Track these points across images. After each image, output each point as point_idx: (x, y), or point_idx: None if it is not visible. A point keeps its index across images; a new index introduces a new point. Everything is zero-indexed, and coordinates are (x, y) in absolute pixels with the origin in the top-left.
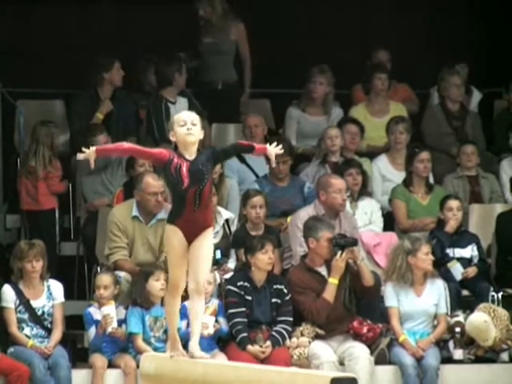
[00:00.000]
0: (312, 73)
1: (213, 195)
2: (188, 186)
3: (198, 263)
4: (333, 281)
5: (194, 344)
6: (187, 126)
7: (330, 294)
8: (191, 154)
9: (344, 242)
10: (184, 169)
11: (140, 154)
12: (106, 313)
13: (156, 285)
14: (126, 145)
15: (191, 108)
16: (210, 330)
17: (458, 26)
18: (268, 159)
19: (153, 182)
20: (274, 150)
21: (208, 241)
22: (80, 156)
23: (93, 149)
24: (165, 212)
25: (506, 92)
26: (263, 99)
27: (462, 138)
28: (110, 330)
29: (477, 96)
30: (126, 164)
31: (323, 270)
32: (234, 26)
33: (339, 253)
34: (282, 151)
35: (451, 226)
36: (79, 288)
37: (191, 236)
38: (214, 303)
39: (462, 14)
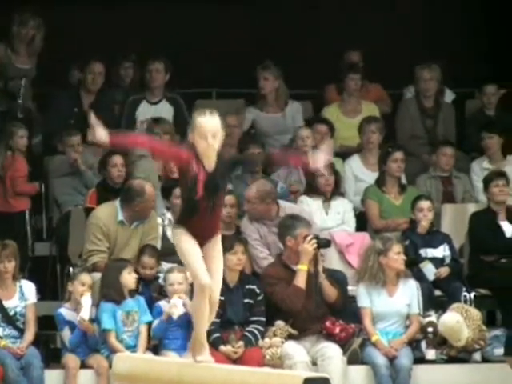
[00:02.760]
0: (257, 70)
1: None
2: (202, 197)
3: (213, 265)
4: (302, 267)
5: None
6: (208, 140)
7: (300, 280)
8: (210, 163)
9: (318, 242)
10: (200, 179)
11: (157, 152)
12: (81, 303)
13: (129, 278)
14: (142, 139)
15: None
16: (180, 311)
17: (432, 26)
18: (309, 173)
19: (153, 192)
20: (319, 158)
21: (218, 248)
22: (93, 137)
23: (106, 136)
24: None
25: (479, 92)
26: (238, 99)
27: (432, 141)
28: (78, 318)
29: (450, 96)
30: (99, 165)
31: None
32: None
33: (307, 239)
34: (330, 158)
35: (422, 226)
36: (52, 288)
37: (199, 240)
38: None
39: (436, 14)
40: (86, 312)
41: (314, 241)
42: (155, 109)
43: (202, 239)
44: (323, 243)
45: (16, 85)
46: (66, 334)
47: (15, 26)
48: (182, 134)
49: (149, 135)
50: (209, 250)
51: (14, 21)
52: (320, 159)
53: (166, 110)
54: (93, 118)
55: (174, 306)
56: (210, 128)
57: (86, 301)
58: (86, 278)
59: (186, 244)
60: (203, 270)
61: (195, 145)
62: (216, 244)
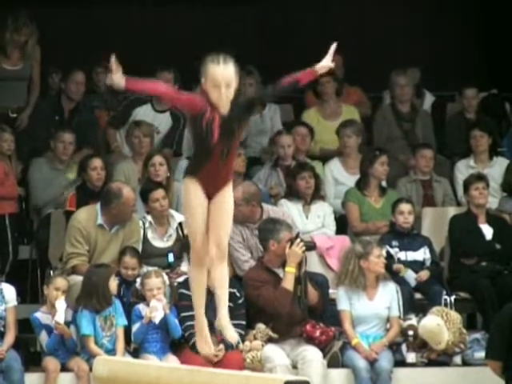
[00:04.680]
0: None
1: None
2: (218, 141)
3: (219, 224)
4: (290, 269)
5: (223, 316)
6: (221, 89)
7: (288, 283)
8: (225, 107)
9: (304, 245)
10: (216, 124)
11: (172, 100)
12: (56, 307)
13: (114, 284)
14: (161, 87)
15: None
16: (161, 313)
17: (412, 29)
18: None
19: (132, 195)
20: (326, 62)
21: (229, 199)
22: (111, 80)
23: (123, 80)
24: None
25: (460, 96)
26: None
27: (412, 143)
28: (53, 322)
29: (429, 99)
30: (78, 167)
31: (280, 272)
32: None
33: (295, 242)
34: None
35: (403, 229)
36: (32, 292)
37: (211, 190)
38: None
39: (416, 17)
40: (60, 316)
41: (302, 244)
42: (156, 116)
43: (213, 189)
44: (309, 246)
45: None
46: (44, 337)
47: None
48: (170, 146)
49: (165, 83)
50: (218, 202)
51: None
52: (327, 62)
53: (164, 121)
54: (113, 62)
55: (155, 310)
56: (223, 77)
57: (61, 305)
58: (60, 282)
59: (193, 199)
60: (199, 236)
61: (208, 93)
62: (226, 196)
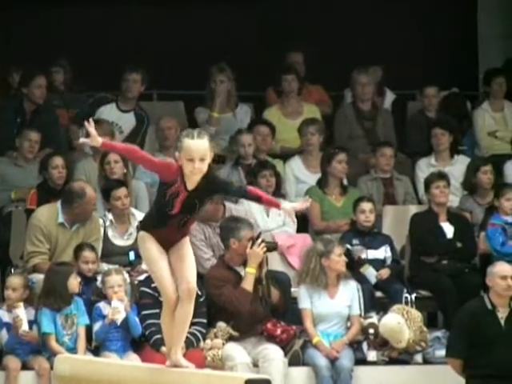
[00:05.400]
0: (212, 72)
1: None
2: (177, 214)
3: (185, 265)
4: (250, 270)
5: (176, 352)
6: (195, 164)
7: (248, 283)
8: (192, 184)
9: (265, 245)
10: (180, 198)
11: (147, 164)
12: (15, 315)
13: (75, 283)
14: (137, 153)
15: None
16: (123, 315)
17: (374, 28)
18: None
19: (94, 194)
20: (290, 207)
21: (187, 246)
22: (83, 140)
23: (99, 141)
24: None
25: (421, 94)
26: (177, 101)
27: (372, 142)
28: (20, 332)
29: (390, 96)
30: (40, 166)
31: (241, 270)
32: None
33: (257, 242)
34: (305, 206)
35: (364, 227)
36: None
37: (166, 246)
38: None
39: (377, 16)
40: (25, 324)
41: (264, 244)
42: (120, 116)
43: (168, 245)
44: (271, 247)
45: None
46: (4, 335)
47: None
48: (132, 142)
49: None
50: (177, 250)
51: None
52: (289, 208)
53: (129, 121)
54: (91, 127)
55: (117, 311)
56: (197, 151)
57: (21, 312)
58: (15, 281)
59: (152, 252)
60: (169, 284)
61: (182, 165)
62: (184, 244)
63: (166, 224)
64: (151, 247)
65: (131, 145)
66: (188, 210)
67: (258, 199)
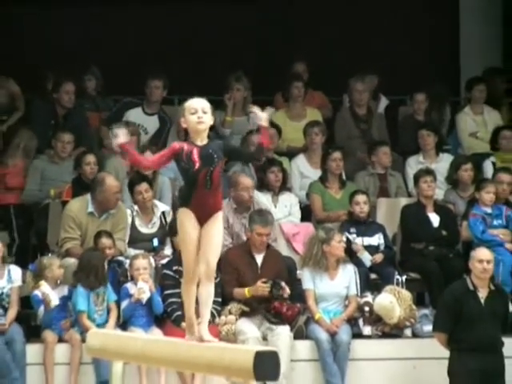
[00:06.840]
0: (230, 81)
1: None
2: (199, 168)
3: (209, 247)
4: (248, 292)
5: (203, 329)
6: (198, 114)
7: (240, 294)
8: (202, 140)
9: (272, 290)
10: (195, 153)
11: (156, 166)
12: (42, 292)
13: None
14: (142, 163)
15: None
16: (147, 294)
17: (370, 41)
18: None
19: (114, 183)
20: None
21: (218, 225)
22: (115, 141)
23: (122, 141)
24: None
25: (411, 100)
26: None
27: (368, 142)
28: (52, 306)
29: (384, 102)
30: (74, 163)
31: (259, 259)
32: None
33: (266, 285)
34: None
35: (359, 217)
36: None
37: (202, 218)
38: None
39: (374, 30)
40: (54, 300)
41: (268, 287)
42: (145, 118)
43: (204, 216)
44: (276, 295)
45: None
46: (41, 312)
47: None
48: (157, 144)
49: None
50: (208, 229)
51: None
52: (260, 118)
53: (153, 124)
54: (124, 133)
55: (143, 291)
56: (199, 103)
57: (47, 289)
58: (53, 261)
59: (187, 226)
60: (195, 259)
61: (187, 122)
62: (216, 222)
63: (194, 184)
64: (185, 220)
65: (140, 156)
66: (207, 161)
67: (260, 145)
